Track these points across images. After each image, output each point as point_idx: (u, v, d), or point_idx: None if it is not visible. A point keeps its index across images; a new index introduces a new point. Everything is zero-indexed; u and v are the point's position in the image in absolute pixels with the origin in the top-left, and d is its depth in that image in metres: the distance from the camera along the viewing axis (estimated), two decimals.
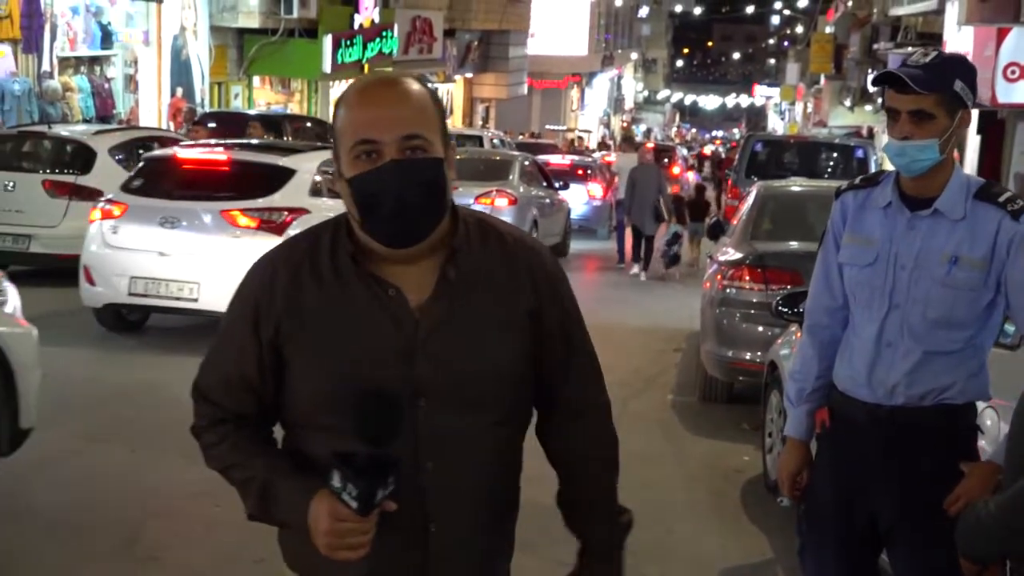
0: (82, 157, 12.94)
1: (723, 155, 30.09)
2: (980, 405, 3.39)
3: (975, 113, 20.35)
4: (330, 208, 9.20)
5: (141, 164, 10.51)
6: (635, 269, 17.39)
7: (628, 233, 18.13)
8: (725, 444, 7.64)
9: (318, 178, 9.96)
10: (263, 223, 9.32)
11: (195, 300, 9.36)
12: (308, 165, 10.03)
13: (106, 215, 9.75)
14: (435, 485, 2.12)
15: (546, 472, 2.43)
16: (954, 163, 3.15)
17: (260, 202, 9.50)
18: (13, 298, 6.14)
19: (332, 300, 2.14)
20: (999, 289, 3.08)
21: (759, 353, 7.59)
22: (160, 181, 9.91)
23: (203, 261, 9.28)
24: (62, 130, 14.05)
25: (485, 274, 2.18)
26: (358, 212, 2.10)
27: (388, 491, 1.99)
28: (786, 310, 5.66)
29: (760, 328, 7.83)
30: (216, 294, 8.87)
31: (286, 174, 9.79)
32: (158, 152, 11.00)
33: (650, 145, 24.23)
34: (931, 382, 3.11)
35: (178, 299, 9.43)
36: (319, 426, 2.14)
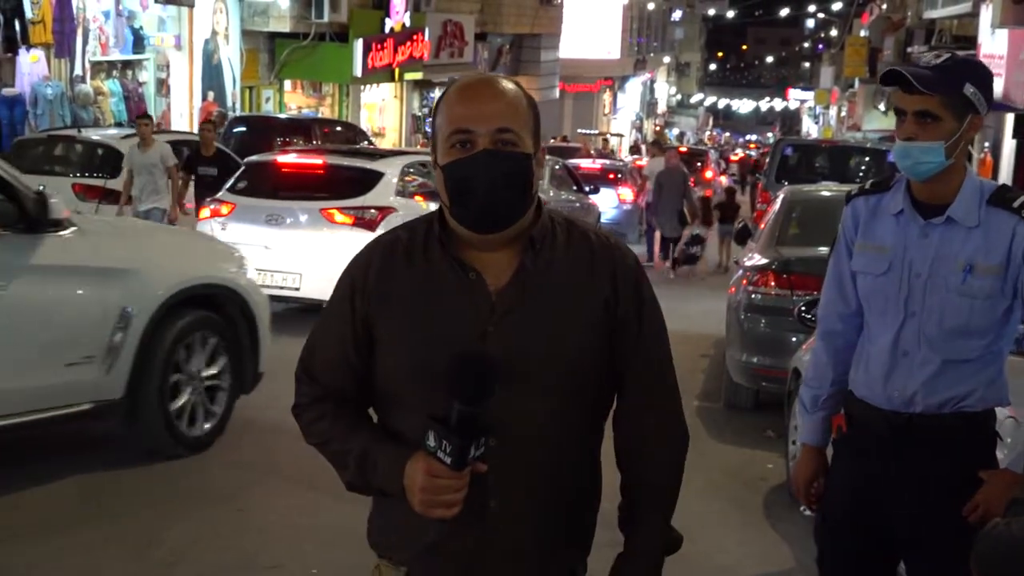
0: (111, 161, 13.02)
1: (755, 159, 29.83)
2: (1002, 413, 3.33)
3: (1010, 117, 20.21)
4: (413, 207, 10.42)
5: (243, 168, 11.80)
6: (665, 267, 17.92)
7: (657, 235, 18.57)
8: (749, 451, 7.57)
9: (401, 180, 11.07)
10: (357, 220, 10.47)
11: (297, 289, 10.61)
12: (394, 168, 11.13)
13: (214, 213, 11.06)
14: (497, 462, 2.17)
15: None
16: (966, 168, 3.09)
17: (354, 201, 10.66)
18: (250, 268, 7.46)
19: (418, 281, 2.28)
20: (1016, 295, 3.04)
21: (784, 359, 7.52)
22: (263, 183, 11.18)
23: (305, 254, 10.50)
24: (92, 134, 14.15)
25: (564, 267, 2.28)
26: (449, 197, 2.24)
27: (480, 451, 2.09)
28: (809, 316, 5.61)
29: (785, 334, 7.76)
30: (316, 283, 10.13)
31: (375, 176, 10.94)
32: (259, 157, 12.24)
33: (683, 149, 24.23)
34: (949, 391, 3.07)
35: (282, 288, 10.55)
36: (403, 402, 2.27)
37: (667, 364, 2.41)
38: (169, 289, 6.49)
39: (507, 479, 2.22)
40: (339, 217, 10.58)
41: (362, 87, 27.39)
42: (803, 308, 5.78)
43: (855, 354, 3.23)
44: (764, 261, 8.39)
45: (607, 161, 26.71)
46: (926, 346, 3.06)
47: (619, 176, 23.43)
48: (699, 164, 29.58)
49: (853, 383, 3.23)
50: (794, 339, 7.48)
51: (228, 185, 11.49)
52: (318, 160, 11.48)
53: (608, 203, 21.76)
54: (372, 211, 10.58)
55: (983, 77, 3.03)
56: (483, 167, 2.18)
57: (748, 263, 8.78)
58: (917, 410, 3.08)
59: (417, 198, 11.13)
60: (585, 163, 24.33)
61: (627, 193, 22.80)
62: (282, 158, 11.75)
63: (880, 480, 3.15)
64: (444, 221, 2.30)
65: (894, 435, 3.12)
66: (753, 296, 8.24)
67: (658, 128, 62.73)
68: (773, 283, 8.12)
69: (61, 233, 6.01)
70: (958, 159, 3.03)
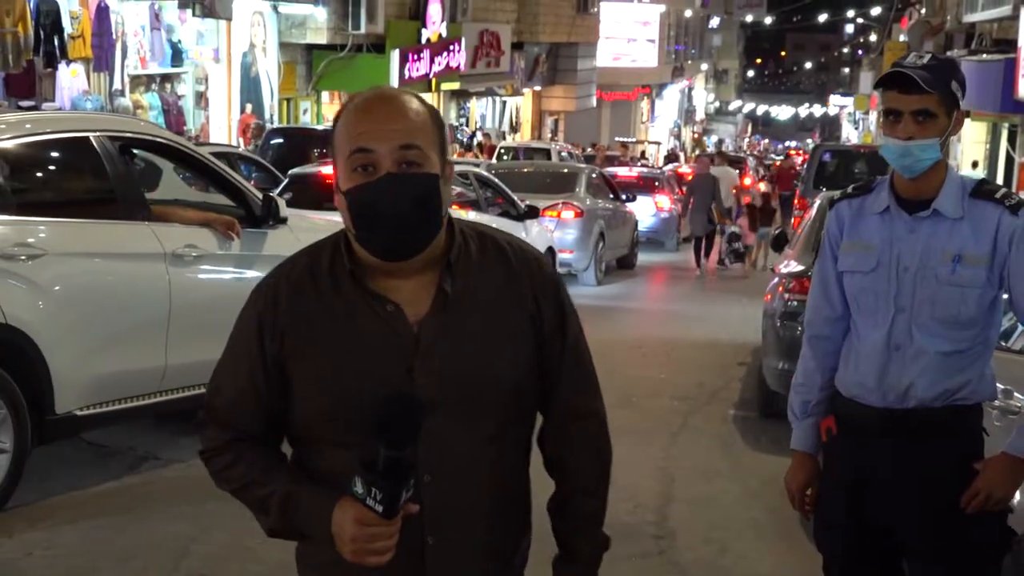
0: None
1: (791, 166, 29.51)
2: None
3: None
4: (453, 216, 10.33)
5: (288, 180, 12.21)
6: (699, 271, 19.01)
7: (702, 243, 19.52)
8: (785, 460, 7.43)
9: None
10: None
11: None
12: None
13: None
14: (433, 497, 2.12)
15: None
16: (947, 163, 3.19)
17: None
18: None
19: (333, 315, 2.16)
20: (1002, 284, 3.12)
21: None
22: (307, 194, 11.22)
23: None
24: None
25: (484, 285, 2.20)
26: (354, 225, 2.13)
27: (409, 493, 2.02)
28: None
29: None
30: None
31: None
32: (302, 169, 12.63)
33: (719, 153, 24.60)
34: (944, 383, 3.12)
35: None
36: (324, 440, 2.17)
37: (591, 372, 2.35)
38: None
39: (443, 514, 2.14)
40: None
41: None
42: None
43: (842, 355, 3.28)
44: (800, 268, 8.32)
45: (644, 169, 26.77)
46: (919, 338, 3.12)
47: (656, 184, 23.48)
48: (737, 171, 29.51)
49: (841, 383, 3.27)
50: None
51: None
52: None
53: (646, 211, 21.88)
54: None
55: (960, 74, 3.15)
56: (387, 192, 2.07)
57: (784, 270, 8.71)
58: (911, 405, 3.13)
59: (455, 207, 11.15)
60: (622, 171, 24.37)
61: (664, 201, 22.90)
62: (325, 170, 11.90)
63: (874, 478, 3.18)
64: (351, 248, 2.18)
65: (887, 433, 3.15)
66: (789, 303, 8.16)
67: (696, 135, 62.52)
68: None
69: (278, 229, 7.25)
70: (943, 154, 3.14)
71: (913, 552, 3.22)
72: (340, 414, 2.12)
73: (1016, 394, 4.32)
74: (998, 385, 3.29)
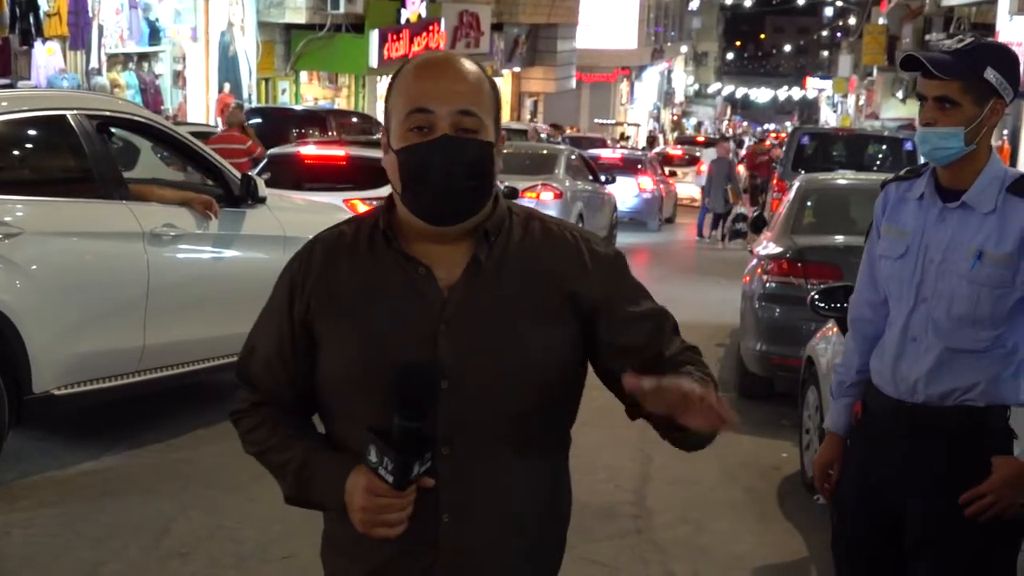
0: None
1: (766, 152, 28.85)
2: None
3: None
4: None
5: (266, 160, 11.88)
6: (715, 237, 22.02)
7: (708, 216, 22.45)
8: (764, 441, 7.54)
9: None
10: None
11: None
12: None
13: None
14: (449, 473, 2.05)
15: (577, 468, 2.32)
16: (990, 154, 3.04)
17: (377, 192, 10.53)
18: None
19: (362, 276, 2.13)
20: None
21: (798, 348, 7.47)
22: (286, 174, 11.07)
23: None
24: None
25: (522, 261, 2.13)
26: (402, 185, 2.08)
27: (425, 466, 1.96)
28: (822, 305, 5.54)
29: (799, 323, 7.71)
30: None
31: None
32: (282, 149, 12.36)
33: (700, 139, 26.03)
34: (952, 381, 3.02)
35: None
36: (344, 407, 2.13)
37: (674, 325, 2.20)
38: None
39: (460, 492, 2.06)
40: (362, 208, 10.51)
41: (378, 78, 27.36)
42: (816, 297, 5.72)
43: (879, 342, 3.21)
44: (779, 250, 8.35)
45: (627, 151, 27.12)
46: (933, 332, 3.03)
47: (640, 166, 23.78)
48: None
49: (871, 370, 3.21)
50: (809, 328, 7.44)
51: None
52: (340, 152, 11.62)
53: (629, 192, 22.56)
54: None
55: (1006, 62, 2.98)
56: (442, 154, 2.02)
57: (762, 252, 8.74)
58: (919, 400, 3.05)
59: None
60: (606, 153, 24.70)
61: (647, 182, 23.20)
62: (304, 150, 11.87)
63: (886, 470, 3.12)
64: (393, 211, 2.15)
65: (899, 425, 3.09)
66: (767, 285, 8.20)
67: (675, 118, 62.53)
68: (787, 271, 8.07)
69: (256, 208, 7.36)
70: (981, 145, 2.99)
71: (913, 551, 3.10)
72: (362, 379, 2.06)
73: None
74: None
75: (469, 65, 2.09)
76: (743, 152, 33.67)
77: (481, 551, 2.11)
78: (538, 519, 2.18)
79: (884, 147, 17.87)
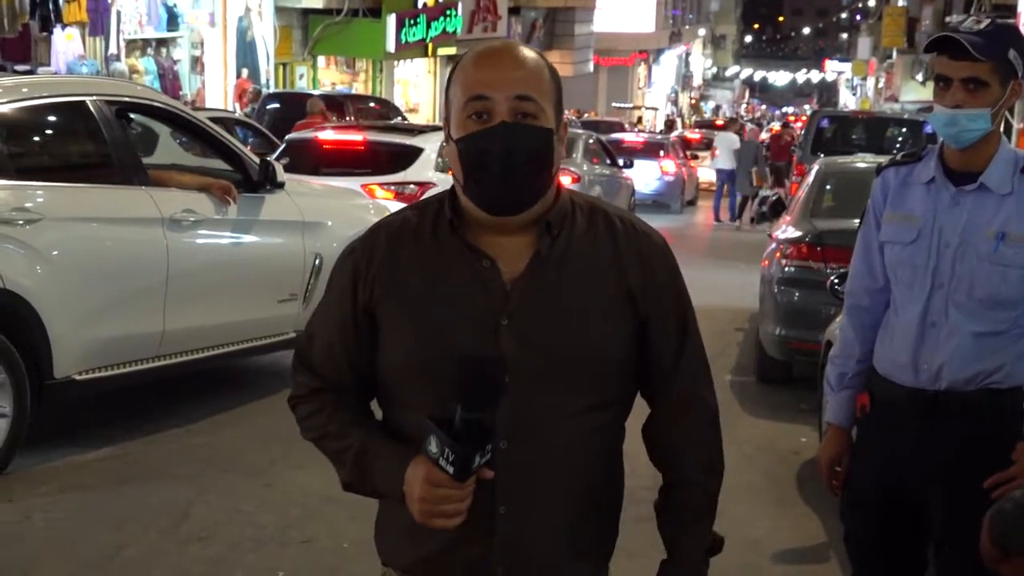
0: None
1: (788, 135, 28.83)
2: None
3: None
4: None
5: (284, 145, 11.96)
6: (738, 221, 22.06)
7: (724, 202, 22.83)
8: (783, 425, 7.53)
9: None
10: (398, 195, 10.50)
11: None
12: (433, 144, 11.06)
13: None
14: (508, 465, 2.03)
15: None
16: (1000, 136, 3.04)
17: (394, 177, 10.79)
18: None
19: (426, 266, 2.11)
20: None
21: (817, 332, 7.45)
22: (304, 159, 11.10)
23: None
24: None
25: (585, 253, 2.12)
26: (463, 174, 2.06)
27: (485, 458, 1.95)
28: (842, 289, 5.54)
29: (819, 307, 7.68)
30: None
31: (415, 152, 11.06)
32: (299, 135, 12.41)
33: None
34: (977, 364, 3.00)
35: None
36: (405, 396, 2.13)
37: (703, 361, 2.26)
38: (347, 240, 7.02)
39: (518, 484, 2.06)
40: (380, 193, 10.56)
41: (395, 63, 27.34)
42: (836, 281, 5.72)
43: (880, 330, 3.17)
44: (798, 233, 8.32)
45: (648, 135, 27.67)
46: (955, 317, 3.01)
47: (662, 150, 24.10)
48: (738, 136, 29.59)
49: (877, 360, 3.17)
50: (827, 312, 7.41)
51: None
52: (358, 136, 11.65)
53: (652, 175, 23.22)
54: (412, 186, 10.63)
55: (1022, 42, 2.98)
56: (501, 141, 2.00)
57: (781, 235, 8.71)
58: (943, 386, 3.02)
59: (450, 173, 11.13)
60: (629, 137, 25.17)
61: (670, 165, 23.56)
62: (322, 135, 11.85)
63: (906, 461, 3.08)
64: (456, 201, 2.13)
65: (919, 414, 3.05)
66: (786, 268, 8.17)
67: (693, 101, 62.31)
68: (807, 255, 8.05)
69: (275, 194, 7.36)
70: (995, 126, 2.98)
71: (940, 538, 3.08)
72: (424, 369, 2.06)
73: None
74: None
75: (528, 52, 2.09)
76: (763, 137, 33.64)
77: (536, 543, 2.11)
78: (593, 514, 2.18)
79: (904, 130, 17.79)
